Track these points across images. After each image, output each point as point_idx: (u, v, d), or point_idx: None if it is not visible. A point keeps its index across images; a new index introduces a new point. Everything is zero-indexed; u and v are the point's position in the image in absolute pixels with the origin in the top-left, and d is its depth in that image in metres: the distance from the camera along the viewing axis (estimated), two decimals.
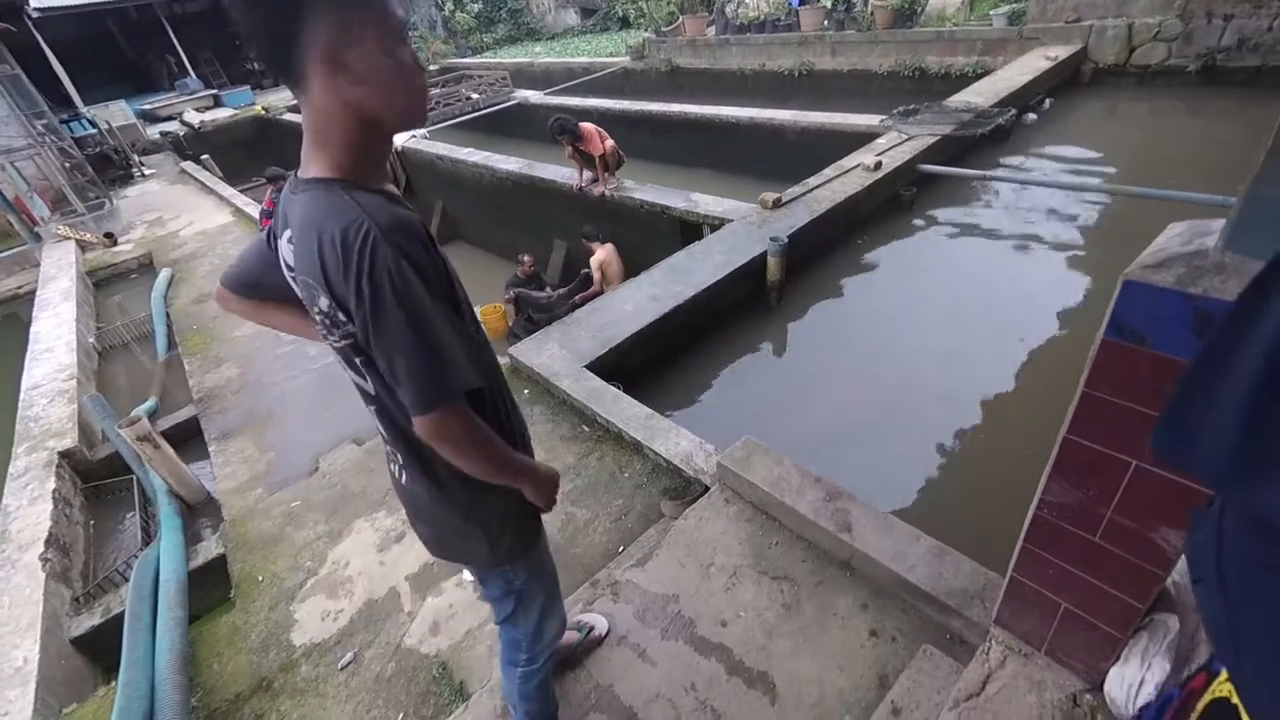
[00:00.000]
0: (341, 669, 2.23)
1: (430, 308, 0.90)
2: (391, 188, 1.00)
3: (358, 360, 0.99)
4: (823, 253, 4.86)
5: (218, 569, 2.85)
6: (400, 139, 9.03)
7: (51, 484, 3.45)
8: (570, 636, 1.93)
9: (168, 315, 5.63)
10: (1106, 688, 1.37)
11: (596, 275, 5.42)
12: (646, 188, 5.85)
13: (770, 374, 4.02)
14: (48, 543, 3.04)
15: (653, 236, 5.67)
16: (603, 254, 5.42)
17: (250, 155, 12.71)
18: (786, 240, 4.19)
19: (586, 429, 3.10)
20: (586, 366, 3.43)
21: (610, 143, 5.81)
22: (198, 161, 11.25)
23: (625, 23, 16.87)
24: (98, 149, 10.53)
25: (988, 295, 4.34)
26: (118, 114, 12.74)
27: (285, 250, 0.99)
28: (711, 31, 12.16)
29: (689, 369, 4.00)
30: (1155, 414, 0.69)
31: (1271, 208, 0.86)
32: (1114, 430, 1.10)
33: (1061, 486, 1.25)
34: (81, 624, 2.79)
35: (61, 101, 12.00)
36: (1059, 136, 6.51)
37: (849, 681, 1.78)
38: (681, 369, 3.99)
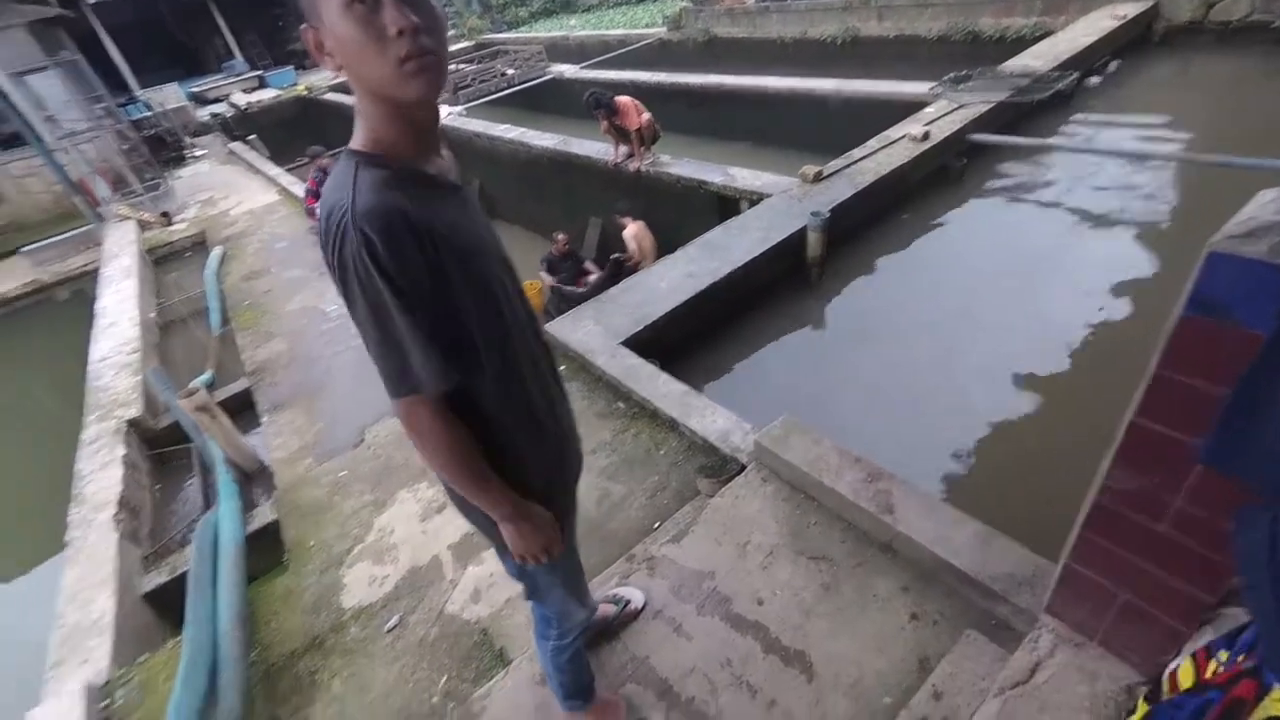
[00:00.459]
0: (387, 631, 2.32)
1: (388, 302, 0.87)
2: (432, 166, 0.98)
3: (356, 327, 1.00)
4: (865, 228, 4.71)
5: (272, 534, 2.99)
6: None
7: (120, 450, 3.65)
8: (606, 609, 1.96)
9: (221, 291, 5.86)
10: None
11: (632, 246, 5.41)
12: (683, 162, 5.75)
13: (810, 352, 3.95)
14: (119, 505, 3.24)
15: (689, 212, 5.58)
16: (634, 229, 5.41)
17: (294, 135, 12.98)
18: (828, 215, 4.07)
19: (622, 405, 3.11)
20: (622, 344, 3.42)
21: (646, 116, 5.71)
22: (245, 142, 11.57)
23: None
24: (152, 131, 10.92)
25: (1041, 271, 4.13)
26: (170, 97, 13.16)
27: None
28: None
29: (726, 346, 3.96)
30: None
31: None
32: (1188, 413, 1.03)
33: (1126, 472, 1.19)
34: (151, 581, 2.98)
35: (118, 86, 12.45)
36: (1125, 101, 6.10)
37: (888, 663, 1.76)
38: (719, 346, 3.95)
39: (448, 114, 9.06)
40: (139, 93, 12.72)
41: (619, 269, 5.45)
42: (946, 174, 5.20)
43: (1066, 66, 6.00)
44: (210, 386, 4.48)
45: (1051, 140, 5.35)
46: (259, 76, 16.25)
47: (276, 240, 6.76)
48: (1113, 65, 6.58)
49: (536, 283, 6.02)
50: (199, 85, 15.45)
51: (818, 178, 4.73)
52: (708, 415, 2.81)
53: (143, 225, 7.68)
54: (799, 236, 4.19)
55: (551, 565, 1.30)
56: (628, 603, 2.00)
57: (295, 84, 15.02)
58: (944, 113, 5.47)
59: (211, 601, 2.46)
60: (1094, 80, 6.33)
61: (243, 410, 4.25)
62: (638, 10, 16.48)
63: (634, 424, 3.00)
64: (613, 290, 3.99)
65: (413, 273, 0.88)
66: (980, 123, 5.34)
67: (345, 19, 0.82)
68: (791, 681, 1.76)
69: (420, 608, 2.39)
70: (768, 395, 3.60)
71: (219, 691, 2.03)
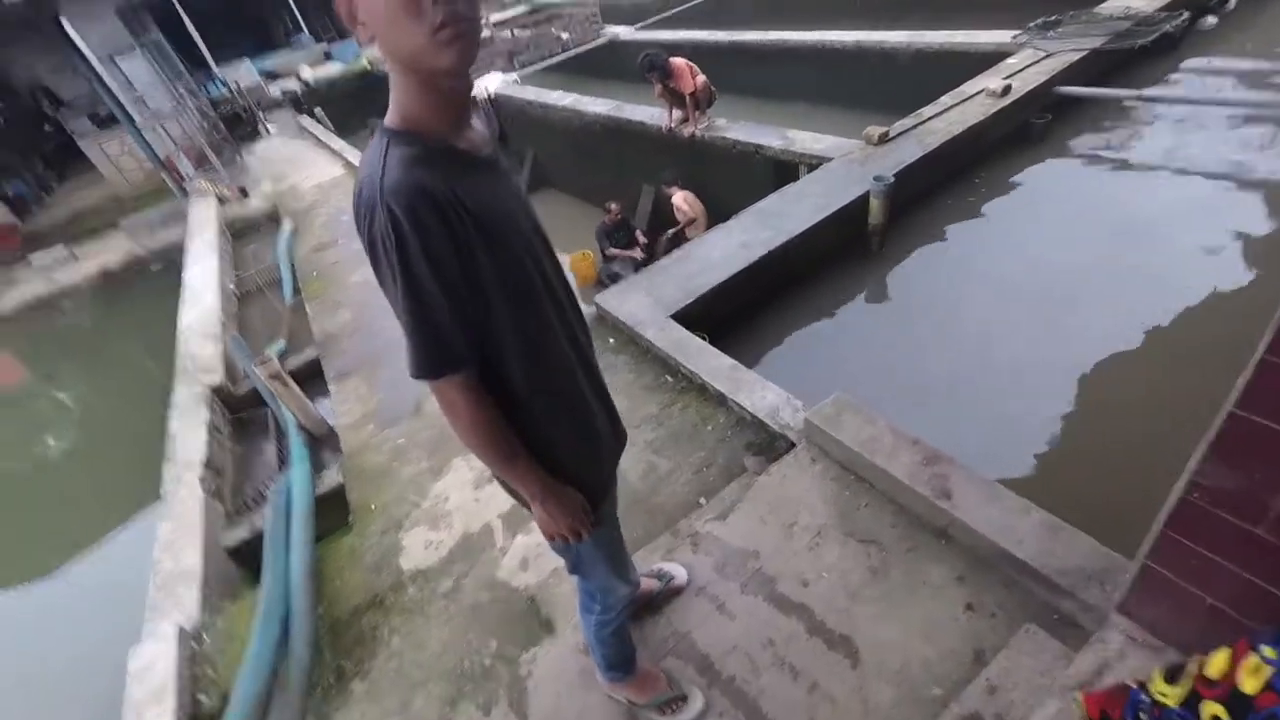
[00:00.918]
0: (442, 594, 2.43)
1: (420, 277, 0.87)
2: (464, 141, 0.96)
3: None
4: (933, 193, 4.42)
5: (338, 496, 3.17)
6: (493, 86, 9.10)
7: (205, 414, 3.94)
8: (650, 584, 1.97)
9: (292, 263, 6.15)
10: None
11: (684, 208, 5.37)
12: (739, 126, 5.54)
13: (868, 326, 3.78)
14: (205, 465, 3.51)
15: (745, 178, 5.39)
16: (680, 197, 5.35)
17: (357, 107, 13.30)
18: (892, 179, 3.83)
19: (670, 379, 3.08)
20: (672, 316, 3.37)
21: (702, 78, 5.51)
22: (311, 115, 11.97)
23: None
24: (229, 109, 11.46)
25: (1132, 242, 3.75)
26: (244, 74, 13.72)
27: None
28: None
29: (779, 319, 3.84)
30: None
31: None
32: None
33: (1220, 469, 1.07)
34: (233, 536, 3.23)
35: (197, 64, 13.07)
36: (1246, 43, 5.39)
37: (938, 653, 1.69)
38: (771, 319, 3.84)
39: (501, 82, 9.05)
40: (216, 70, 13.31)
41: (678, 241, 5.37)
42: (1028, 132, 4.79)
43: (1174, 6, 5.35)
44: (283, 354, 4.74)
45: (1153, 91, 4.80)
46: (325, 51, 16.69)
47: (342, 213, 7.01)
48: (1232, 2, 5.82)
49: (589, 253, 6.02)
50: (270, 61, 16.02)
51: (883, 139, 4.45)
52: (757, 391, 2.75)
53: (221, 200, 8.12)
54: (860, 203, 3.97)
55: (594, 541, 1.31)
56: (671, 578, 2.01)
57: (359, 56, 15.33)
58: (1028, 63, 5.01)
59: (284, 558, 2.64)
60: (1209, 21, 5.63)
61: (312, 377, 4.48)
62: None
63: (682, 398, 2.97)
64: (664, 261, 3.92)
65: (438, 251, 0.87)
66: (1070, 73, 4.86)
67: None
68: (835, 666, 1.73)
69: (473, 573, 2.48)
70: (821, 371, 3.48)
71: (290, 641, 2.18)
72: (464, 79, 0.95)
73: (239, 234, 7.79)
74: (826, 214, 3.90)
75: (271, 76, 15.34)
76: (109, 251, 8.50)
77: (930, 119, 4.61)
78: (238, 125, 11.10)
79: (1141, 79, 5.10)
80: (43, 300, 8.04)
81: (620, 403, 3.09)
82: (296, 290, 5.70)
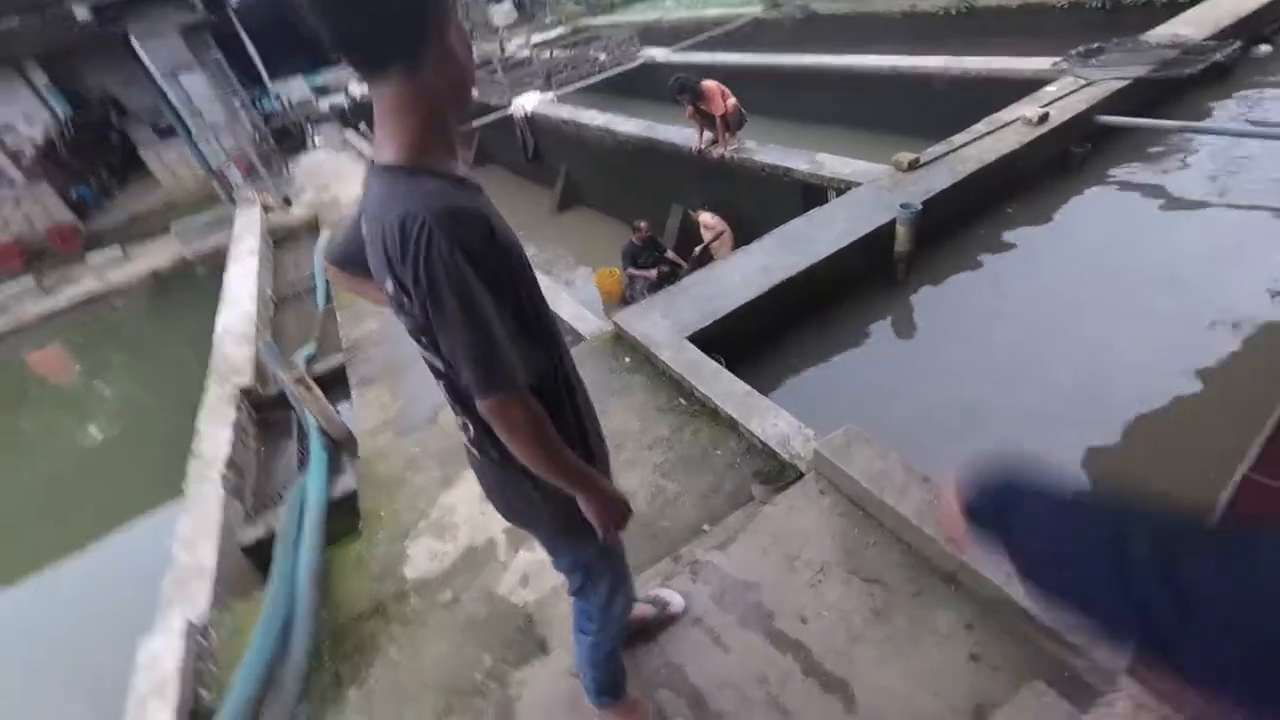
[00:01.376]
0: (442, 606, 2.44)
1: (481, 299, 0.90)
2: (459, 170, 0.99)
3: (424, 339, 1.01)
4: (963, 222, 4.33)
5: (351, 501, 3.22)
6: (530, 104, 9.31)
7: (233, 414, 4.07)
8: (646, 610, 1.94)
9: (325, 271, 6.35)
10: None
11: (711, 222, 5.39)
12: (768, 148, 5.54)
13: (889, 356, 3.70)
14: (227, 463, 3.62)
15: (773, 201, 5.38)
16: (707, 215, 5.38)
17: None
18: (920, 207, 3.77)
19: (683, 402, 3.06)
20: (689, 338, 3.36)
21: (732, 101, 5.54)
22: (356, 129, 12.44)
23: None
24: (280, 123, 11.98)
25: (1171, 279, 3.60)
26: (296, 90, 14.39)
27: (365, 231, 1.03)
28: None
29: (798, 345, 3.79)
30: None
31: None
32: None
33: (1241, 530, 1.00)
34: (249, 535, 3.30)
35: (253, 80, 13.72)
36: None
37: (939, 705, 1.62)
38: (790, 345, 3.79)
39: (539, 100, 9.26)
40: (271, 86, 13.96)
41: (705, 259, 5.38)
42: (1066, 162, 4.67)
43: (1227, 35, 5.18)
44: (312, 359, 4.89)
45: (1202, 123, 4.63)
46: None
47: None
48: None
49: (615, 271, 6.06)
50: (321, 78, 16.75)
51: (913, 166, 4.39)
52: (769, 418, 2.71)
53: (266, 209, 8.46)
54: (887, 230, 3.92)
55: (607, 553, 1.37)
56: (667, 605, 1.98)
57: None
58: (1068, 91, 4.90)
59: (294, 560, 2.69)
60: (1263, 49, 5.43)
61: (338, 382, 4.60)
62: None
63: (693, 421, 2.95)
64: (684, 281, 3.93)
65: (497, 268, 0.93)
66: (1111, 102, 4.73)
67: (459, 26, 0.94)
68: (830, 709, 1.67)
69: (474, 586, 2.49)
70: (838, 399, 3.41)
71: (291, 644, 2.21)
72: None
73: (280, 242, 8.10)
74: (852, 240, 3.85)
75: (322, 92, 16.02)
76: (159, 254, 8.93)
77: (962, 146, 4.54)
78: (286, 138, 11.59)
79: (1189, 109, 4.94)
80: (95, 297, 8.46)
81: (632, 423, 3.11)
82: (329, 298, 5.88)
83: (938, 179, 4.21)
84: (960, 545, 0.75)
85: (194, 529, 3.14)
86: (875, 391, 3.44)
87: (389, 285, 0.96)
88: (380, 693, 2.20)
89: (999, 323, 3.67)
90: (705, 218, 5.51)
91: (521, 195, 9.82)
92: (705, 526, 2.42)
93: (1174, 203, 4.25)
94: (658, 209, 6.89)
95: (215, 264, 8.37)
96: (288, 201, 8.68)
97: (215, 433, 3.92)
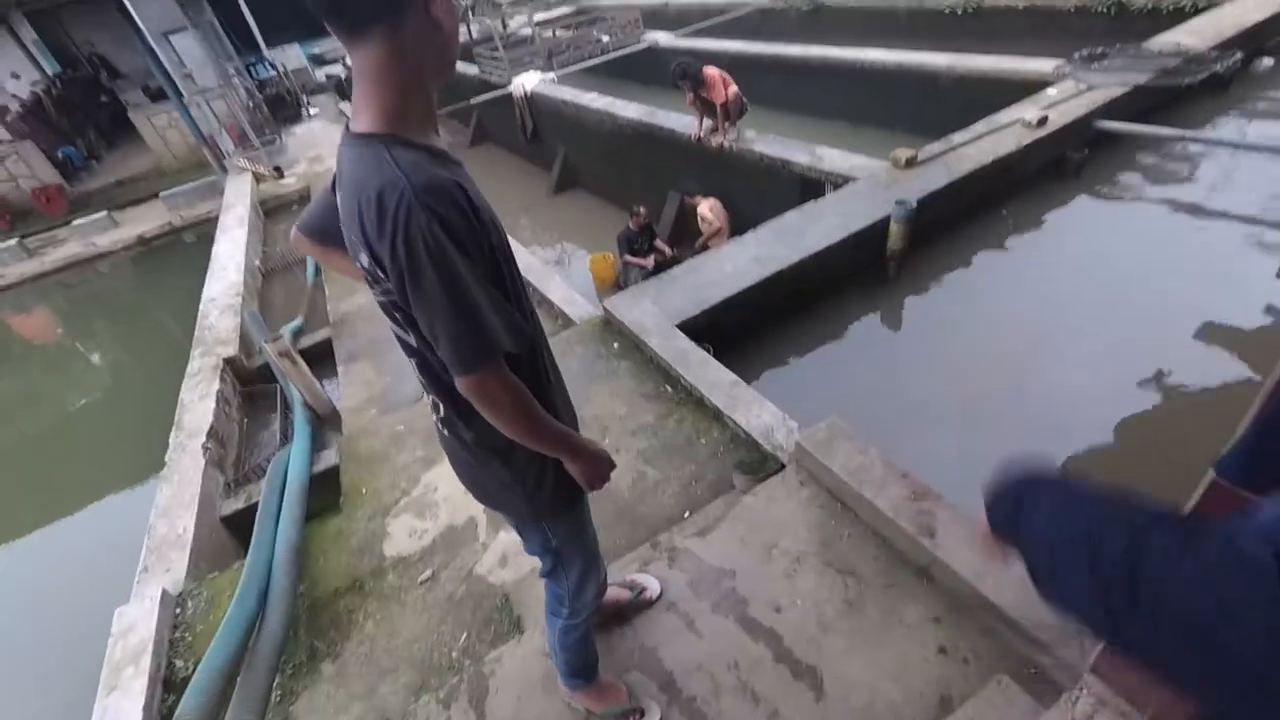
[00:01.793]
0: (420, 583, 2.44)
1: (463, 272, 0.89)
2: (438, 143, 0.97)
3: (398, 315, 1.00)
4: (957, 222, 4.33)
5: (333, 476, 3.21)
6: (530, 84, 9.19)
7: (216, 385, 4.03)
8: (621, 594, 1.95)
9: None
10: None
11: (709, 217, 5.33)
12: (768, 139, 5.50)
13: (876, 352, 3.72)
14: (209, 434, 3.59)
15: (771, 192, 5.35)
16: (706, 205, 5.32)
17: None
18: (914, 205, 3.76)
19: (669, 389, 3.06)
20: (678, 326, 3.35)
21: (734, 89, 5.48)
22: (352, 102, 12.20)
23: None
24: (274, 91, 11.75)
25: (1168, 289, 3.62)
26: (293, 58, 14.09)
27: (339, 202, 1.01)
28: None
29: (788, 337, 3.80)
30: None
31: None
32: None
33: None
34: (230, 506, 3.29)
35: (249, 45, 13.44)
36: None
37: (904, 695, 1.65)
38: (780, 336, 3.80)
39: (539, 80, 9.13)
40: (267, 53, 13.67)
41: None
42: (1063, 166, 4.67)
43: (1229, 46, 5.18)
44: (299, 333, 4.84)
45: (1201, 133, 4.64)
46: None
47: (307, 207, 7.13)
48: None
49: (609, 255, 6.03)
50: (319, 47, 16.43)
51: (910, 163, 4.38)
52: (754, 409, 2.72)
53: (257, 178, 8.33)
54: (880, 227, 3.92)
55: (577, 534, 1.38)
56: (643, 590, 1.99)
57: None
58: (1068, 95, 4.89)
59: (273, 533, 2.68)
60: (1265, 63, 5.44)
61: (325, 357, 4.57)
62: None
63: (679, 409, 2.95)
64: (676, 270, 3.91)
65: (478, 240, 0.92)
66: (1111, 108, 4.73)
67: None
68: (798, 696, 1.69)
69: (452, 565, 2.49)
70: (824, 392, 3.43)
71: (266, 616, 2.21)
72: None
73: (271, 212, 7.98)
74: (845, 235, 3.85)
75: (320, 61, 15.72)
76: (147, 220, 8.79)
77: (961, 145, 4.53)
78: (281, 107, 11.37)
79: (1188, 119, 4.95)
80: (80, 260, 8.32)
81: (618, 409, 3.11)
82: (318, 271, 5.81)
83: (934, 178, 4.20)
84: (994, 558, 0.75)
85: (173, 499, 3.13)
86: (861, 387, 3.46)
87: (364, 259, 0.94)
88: (355, 667, 2.21)
89: (988, 324, 3.69)
90: (703, 209, 5.44)
91: (518, 175, 9.73)
92: (686, 514, 2.43)
93: (1168, 212, 4.28)
94: (655, 195, 6.84)
95: (204, 232, 8.26)
96: (280, 171, 8.55)
97: (197, 403, 3.88)
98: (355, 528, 2.77)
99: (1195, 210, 4.21)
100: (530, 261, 4.83)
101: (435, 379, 1.08)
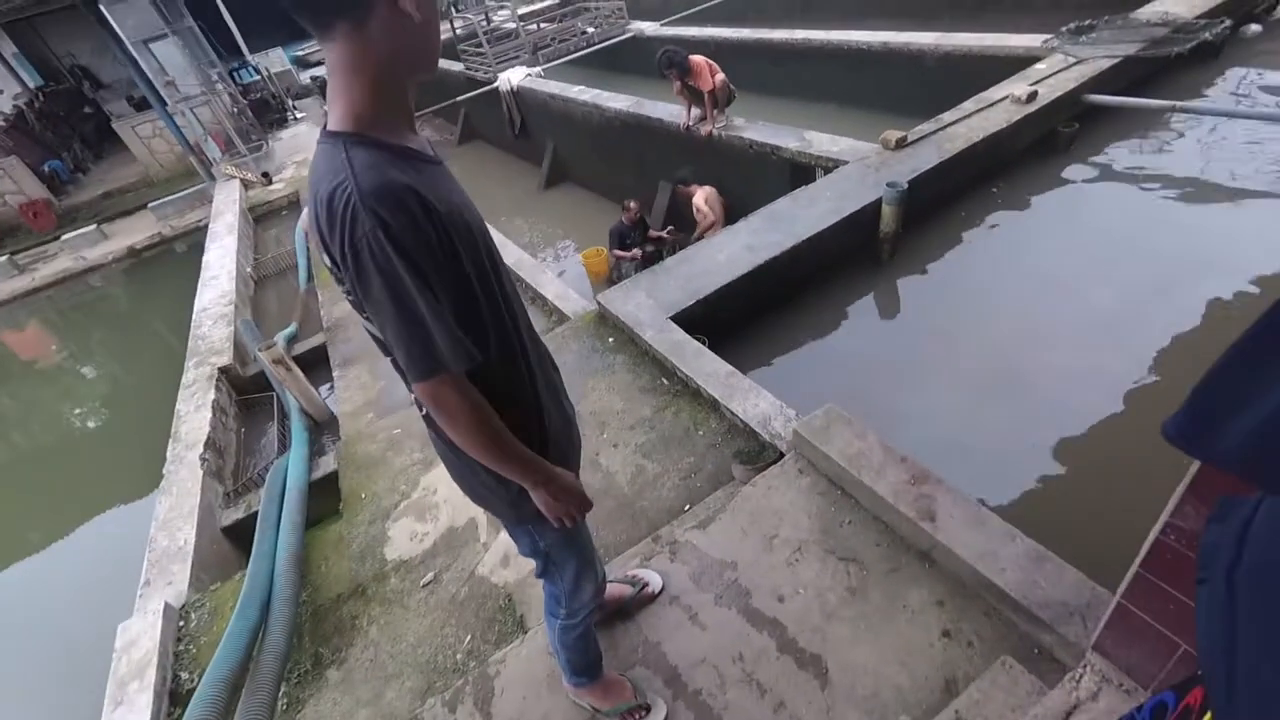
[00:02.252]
0: (423, 586, 2.44)
1: (407, 281, 0.86)
2: (413, 141, 0.95)
3: (364, 314, 0.98)
4: (949, 202, 4.30)
5: (332, 482, 3.20)
6: (515, 79, 9.11)
7: (211, 395, 4.02)
8: (623, 590, 1.95)
9: (308, 249, 6.23)
10: None
11: (705, 209, 5.25)
12: (757, 125, 5.45)
13: (872, 336, 3.70)
14: (206, 445, 3.57)
15: (762, 179, 5.31)
16: (703, 194, 5.24)
17: None
18: (906, 186, 3.73)
19: (665, 382, 3.05)
20: (672, 318, 3.33)
21: (720, 77, 5.43)
22: None
23: None
24: (259, 95, 11.66)
25: (1159, 262, 3.58)
26: (276, 61, 13.98)
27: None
28: None
29: (783, 324, 3.78)
30: None
31: None
32: None
33: (1199, 511, 1.01)
34: (229, 516, 3.29)
35: (231, 50, 13.32)
36: None
37: (910, 680, 1.64)
38: (775, 324, 3.78)
39: (525, 75, 9.05)
40: (250, 57, 13.55)
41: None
42: (1053, 141, 4.63)
43: (1218, 13, 5.13)
44: (293, 339, 4.82)
45: (1190, 102, 4.60)
46: None
47: None
48: None
49: (602, 250, 5.99)
50: (302, 49, 16.30)
51: (900, 144, 4.34)
52: (750, 398, 2.70)
53: (246, 185, 8.27)
54: (872, 210, 3.88)
55: (567, 539, 1.34)
56: (645, 585, 1.98)
57: None
58: (1057, 69, 4.84)
59: (274, 541, 2.67)
60: (1253, 29, 5.39)
61: (320, 362, 4.55)
62: None
63: (675, 402, 2.94)
64: (668, 261, 3.88)
65: (429, 249, 0.87)
66: (1100, 81, 4.69)
67: None
68: (804, 685, 1.69)
69: (454, 567, 2.49)
70: (821, 378, 3.42)
71: (269, 625, 2.21)
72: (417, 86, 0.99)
73: (261, 218, 7.94)
74: (837, 219, 3.82)
75: (304, 64, 15.59)
76: (137, 231, 8.74)
77: (951, 124, 4.49)
78: (266, 111, 11.29)
79: (1178, 89, 4.91)
80: (72, 275, 8.28)
81: (615, 403, 3.09)
82: (310, 276, 5.78)
83: (925, 158, 4.17)
84: None
85: (172, 511, 3.12)
86: (858, 372, 3.44)
87: (326, 259, 0.93)
88: (361, 672, 2.21)
89: (984, 303, 3.67)
90: (698, 200, 5.34)
91: (508, 172, 9.66)
92: (686, 506, 2.42)
93: (1160, 183, 4.25)
94: (645, 186, 6.80)
95: (195, 240, 8.21)
96: (267, 177, 8.49)
97: (193, 414, 3.87)
98: (356, 533, 2.77)
99: (1188, 181, 4.18)
100: (522, 258, 4.80)
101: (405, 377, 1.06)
